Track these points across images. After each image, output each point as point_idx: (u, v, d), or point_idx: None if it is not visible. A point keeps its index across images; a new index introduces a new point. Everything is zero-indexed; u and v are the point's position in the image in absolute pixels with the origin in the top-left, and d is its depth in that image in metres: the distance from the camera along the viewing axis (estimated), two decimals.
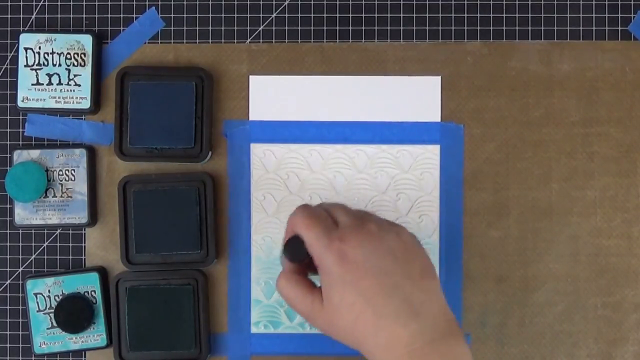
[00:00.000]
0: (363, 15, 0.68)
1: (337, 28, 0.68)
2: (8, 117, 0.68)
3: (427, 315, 0.51)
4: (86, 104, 0.67)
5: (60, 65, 0.67)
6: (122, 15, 0.68)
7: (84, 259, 0.68)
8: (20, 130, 0.68)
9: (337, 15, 0.68)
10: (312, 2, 0.68)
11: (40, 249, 0.68)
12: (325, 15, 0.68)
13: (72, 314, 0.65)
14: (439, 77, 0.68)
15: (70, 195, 0.67)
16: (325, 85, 0.68)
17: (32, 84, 0.67)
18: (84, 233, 0.68)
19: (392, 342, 0.50)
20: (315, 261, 0.53)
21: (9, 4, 0.69)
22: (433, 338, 0.50)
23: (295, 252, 0.54)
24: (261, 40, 0.68)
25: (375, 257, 0.51)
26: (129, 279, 0.66)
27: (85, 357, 0.68)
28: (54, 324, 0.66)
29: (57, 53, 0.67)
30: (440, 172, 0.67)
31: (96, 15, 0.68)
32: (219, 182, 0.68)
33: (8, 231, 0.68)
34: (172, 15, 0.68)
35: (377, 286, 0.51)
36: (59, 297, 0.66)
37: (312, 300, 0.53)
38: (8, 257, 0.68)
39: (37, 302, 0.66)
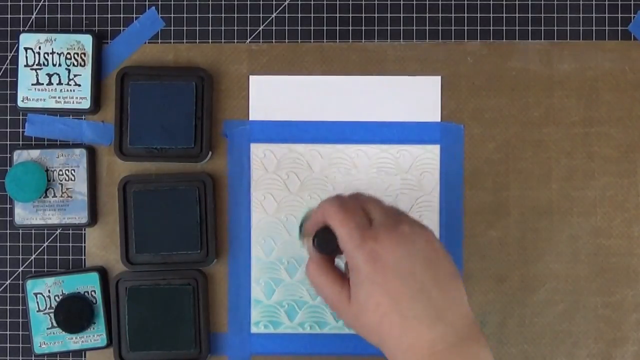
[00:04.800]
0: (363, 15, 0.68)
1: (337, 28, 0.68)
2: (8, 117, 0.68)
3: (451, 319, 0.51)
4: (86, 104, 0.67)
5: (60, 65, 0.67)
6: (122, 15, 0.68)
7: (84, 259, 0.68)
8: (20, 130, 0.68)
9: (337, 15, 0.68)
10: (312, 2, 0.68)
11: (40, 249, 0.68)
12: (325, 15, 0.68)
13: (72, 314, 0.65)
14: (439, 77, 0.68)
15: (70, 195, 0.67)
16: (325, 85, 0.68)
17: (32, 84, 0.67)
18: (84, 233, 0.68)
19: (415, 344, 0.50)
20: (346, 258, 0.53)
21: (9, 4, 0.69)
22: (455, 342, 0.50)
23: (326, 244, 0.54)
24: (261, 40, 0.68)
25: (406, 260, 0.51)
26: (129, 279, 0.66)
27: (85, 357, 0.68)
28: (54, 324, 0.66)
29: (57, 53, 0.67)
30: (440, 172, 0.67)
31: (96, 15, 0.68)
32: (219, 182, 0.68)
33: (8, 231, 0.68)
34: (172, 15, 0.68)
35: (405, 288, 0.51)
36: (59, 297, 0.66)
37: (340, 293, 0.53)
38: (8, 257, 0.68)
39: (37, 302, 0.66)
